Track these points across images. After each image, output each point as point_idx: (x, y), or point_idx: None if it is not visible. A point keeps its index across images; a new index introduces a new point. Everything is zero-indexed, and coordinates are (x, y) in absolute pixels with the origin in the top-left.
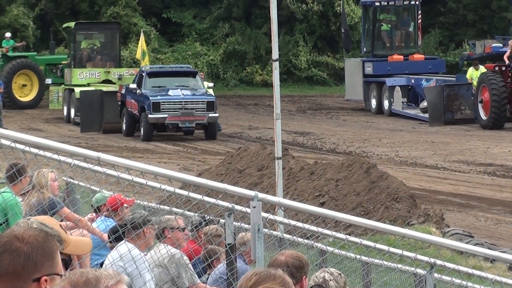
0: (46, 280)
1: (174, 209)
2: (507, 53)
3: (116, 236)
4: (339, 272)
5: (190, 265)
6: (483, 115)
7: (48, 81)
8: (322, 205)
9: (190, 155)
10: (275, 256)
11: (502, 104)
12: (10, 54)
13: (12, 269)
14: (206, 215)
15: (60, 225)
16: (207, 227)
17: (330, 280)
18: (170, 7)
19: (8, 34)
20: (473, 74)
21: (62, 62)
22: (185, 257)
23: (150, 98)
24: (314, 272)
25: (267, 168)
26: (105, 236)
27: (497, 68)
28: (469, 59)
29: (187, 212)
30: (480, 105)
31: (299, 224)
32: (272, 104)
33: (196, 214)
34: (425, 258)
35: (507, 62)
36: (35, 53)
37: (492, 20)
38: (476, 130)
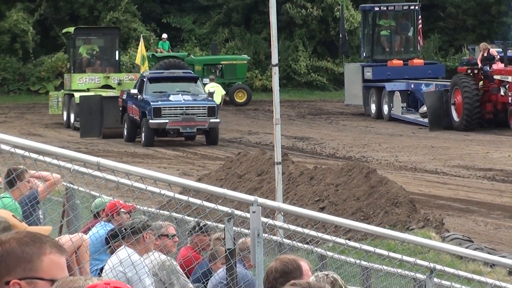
0: (18, 284)
1: (174, 214)
2: (479, 57)
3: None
4: (327, 273)
5: (181, 271)
6: (455, 117)
7: (205, 81)
8: (321, 210)
9: (190, 160)
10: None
11: (475, 107)
12: (158, 54)
13: None
14: (201, 221)
15: (13, 215)
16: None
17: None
18: (169, 12)
19: (164, 35)
20: None
21: (222, 62)
22: (175, 263)
23: (151, 103)
24: None
25: (267, 173)
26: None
27: (469, 71)
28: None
29: (186, 217)
30: (452, 107)
31: (299, 229)
32: (271, 109)
33: (194, 220)
34: (425, 263)
35: (479, 65)
36: (186, 53)
37: (491, 25)
38: (475, 135)
